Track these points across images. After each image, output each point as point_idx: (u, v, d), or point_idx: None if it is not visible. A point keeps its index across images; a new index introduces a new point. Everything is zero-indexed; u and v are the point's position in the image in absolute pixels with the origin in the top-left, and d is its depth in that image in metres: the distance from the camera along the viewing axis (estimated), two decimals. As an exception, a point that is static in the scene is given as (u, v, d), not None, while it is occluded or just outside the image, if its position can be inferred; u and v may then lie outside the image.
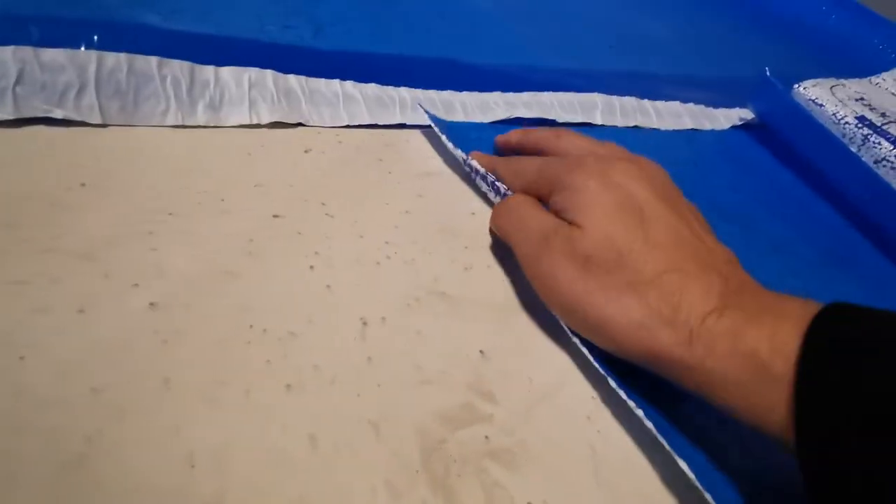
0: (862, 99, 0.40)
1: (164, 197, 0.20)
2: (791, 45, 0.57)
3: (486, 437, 0.17)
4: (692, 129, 0.36)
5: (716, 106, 0.40)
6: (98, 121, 0.21)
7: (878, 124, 0.37)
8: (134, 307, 0.17)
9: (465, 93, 0.30)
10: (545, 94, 0.32)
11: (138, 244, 0.18)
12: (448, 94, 0.30)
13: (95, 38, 0.23)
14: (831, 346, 0.13)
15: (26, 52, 0.21)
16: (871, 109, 0.39)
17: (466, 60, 0.33)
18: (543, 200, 0.21)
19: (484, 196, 0.25)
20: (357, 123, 0.26)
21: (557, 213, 0.19)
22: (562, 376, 0.19)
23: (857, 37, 0.57)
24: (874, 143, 0.36)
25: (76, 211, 0.19)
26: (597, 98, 0.33)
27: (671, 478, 0.17)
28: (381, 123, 0.26)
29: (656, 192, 0.18)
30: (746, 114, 0.39)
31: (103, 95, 0.22)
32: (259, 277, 0.19)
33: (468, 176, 0.25)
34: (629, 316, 0.16)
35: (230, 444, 0.15)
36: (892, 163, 0.35)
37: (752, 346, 0.14)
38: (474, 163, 0.24)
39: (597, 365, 0.18)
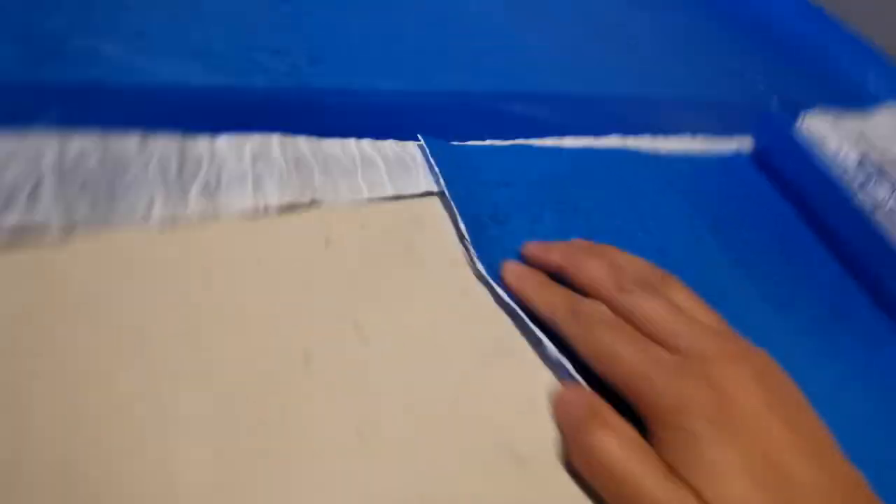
0: (863, 135, 0.40)
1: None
2: (784, 69, 0.50)
3: None
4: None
5: (714, 133, 0.37)
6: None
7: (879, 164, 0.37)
8: None
9: (489, 141, 0.26)
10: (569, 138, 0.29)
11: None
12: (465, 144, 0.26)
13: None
14: None
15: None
16: (872, 147, 0.39)
17: (485, 89, 0.29)
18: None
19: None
20: (377, 196, 0.22)
21: (663, 455, 0.15)
22: None
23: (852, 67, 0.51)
24: (874, 184, 0.36)
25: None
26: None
27: None
28: (405, 194, 0.23)
29: (790, 424, 0.15)
30: (745, 143, 0.38)
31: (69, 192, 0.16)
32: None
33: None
34: None
35: None
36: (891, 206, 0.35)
37: None
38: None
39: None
